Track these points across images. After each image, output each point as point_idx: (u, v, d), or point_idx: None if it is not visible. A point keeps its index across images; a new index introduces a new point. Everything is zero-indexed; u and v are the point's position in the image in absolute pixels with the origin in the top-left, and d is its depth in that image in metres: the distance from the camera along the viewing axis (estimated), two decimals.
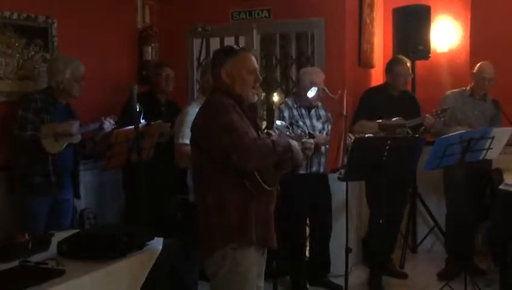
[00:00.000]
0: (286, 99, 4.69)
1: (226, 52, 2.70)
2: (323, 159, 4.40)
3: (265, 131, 2.93)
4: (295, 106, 4.40)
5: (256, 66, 2.70)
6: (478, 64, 4.65)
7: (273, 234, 2.69)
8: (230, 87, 2.63)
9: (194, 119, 2.69)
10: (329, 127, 4.44)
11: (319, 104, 4.46)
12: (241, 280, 2.57)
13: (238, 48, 2.74)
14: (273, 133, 2.73)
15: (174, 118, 4.40)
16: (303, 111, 4.40)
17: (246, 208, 2.55)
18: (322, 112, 4.47)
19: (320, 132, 4.40)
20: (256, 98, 2.75)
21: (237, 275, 2.56)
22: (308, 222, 4.69)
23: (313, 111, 4.43)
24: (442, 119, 4.47)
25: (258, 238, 2.58)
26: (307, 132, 3.16)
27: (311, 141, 2.74)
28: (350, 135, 4.07)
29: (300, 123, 4.32)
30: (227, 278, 2.56)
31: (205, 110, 2.64)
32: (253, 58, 2.69)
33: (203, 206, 2.61)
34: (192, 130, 2.69)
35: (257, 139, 2.52)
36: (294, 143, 2.63)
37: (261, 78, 2.75)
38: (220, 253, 2.56)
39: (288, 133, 2.69)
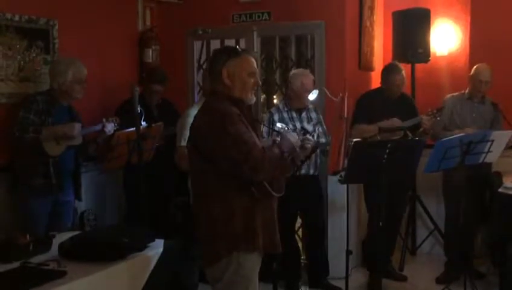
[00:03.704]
0: (277, 102, 4.69)
1: (228, 52, 2.64)
2: (312, 161, 4.39)
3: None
4: (286, 109, 4.40)
5: (256, 69, 2.67)
6: (475, 67, 4.65)
7: (278, 238, 2.67)
8: (229, 89, 2.58)
9: (194, 124, 2.62)
10: (320, 129, 4.43)
11: (310, 106, 4.46)
12: (245, 282, 2.57)
13: (240, 49, 2.70)
14: (277, 139, 2.72)
15: (167, 118, 4.40)
16: (294, 114, 4.39)
17: (253, 214, 2.53)
18: (313, 114, 4.46)
19: (311, 135, 4.39)
20: (254, 99, 2.72)
21: (241, 278, 2.55)
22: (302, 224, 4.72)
23: (303, 114, 4.42)
24: (438, 118, 4.48)
25: (264, 244, 2.58)
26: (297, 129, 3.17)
27: (310, 137, 2.74)
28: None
29: (291, 126, 4.31)
30: (231, 282, 2.55)
31: (208, 117, 2.55)
32: (254, 60, 2.66)
33: (208, 215, 2.56)
34: (192, 134, 2.63)
35: (266, 151, 2.49)
36: (295, 141, 2.60)
37: (260, 81, 2.70)
38: (225, 260, 2.54)
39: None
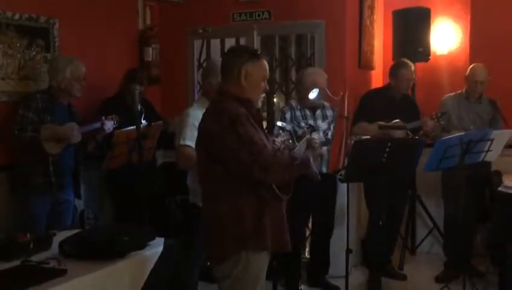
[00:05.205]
0: (291, 100, 4.67)
1: (250, 53, 2.63)
2: (325, 159, 4.38)
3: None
4: (299, 107, 4.36)
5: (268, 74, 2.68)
6: (470, 67, 4.65)
7: (288, 237, 2.68)
8: (241, 90, 2.57)
9: (202, 125, 2.62)
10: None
11: (326, 104, 4.42)
12: (253, 279, 2.57)
13: (260, 53, 2.69)
14: (276, 140, 2.72)
15: (148, 116, 4.34)
16: (307, 112, 4.34)
17: (262, 214, 2.53)
18: (329, 112, 4.40)
19: (324, 132, 4.32)
20: (260, 104, 2.74)
21: (249, 276, 2.56)
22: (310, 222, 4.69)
23: (318, 111, 4.36)
24: (442, 123, 4.48)
25: (273, 243, 2.58)
26: (304, 125, 3.11)
27: (316, 136, 2.74)
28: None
29: (303, 124, 4.29)
30: (239, 279, 2.55)
31: (217, 118, 2.52)
32: (267, 66, 2.69)
33: (216, 215, 2.56)
34: (201, 136, 2.62)
35: (276, 153, 2.49)
36: (310, 157, 2.63)
37: (267, 87, 2.71)
38: (234, 258, 2.54)
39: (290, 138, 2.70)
